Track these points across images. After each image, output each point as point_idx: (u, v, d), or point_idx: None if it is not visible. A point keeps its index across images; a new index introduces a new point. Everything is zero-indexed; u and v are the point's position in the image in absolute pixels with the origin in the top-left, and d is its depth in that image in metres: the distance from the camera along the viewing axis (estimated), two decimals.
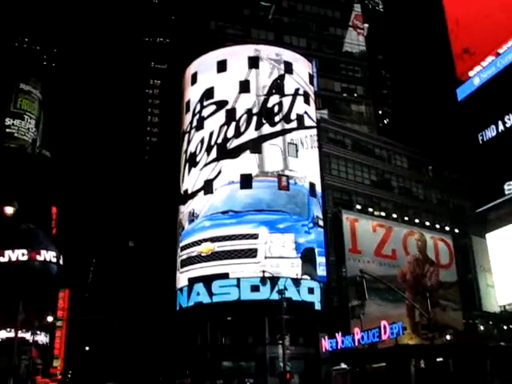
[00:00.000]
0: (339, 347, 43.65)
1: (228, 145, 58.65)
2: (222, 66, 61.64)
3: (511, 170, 50.23)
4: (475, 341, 54.40)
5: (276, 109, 60.11)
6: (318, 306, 54.56)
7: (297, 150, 59.40)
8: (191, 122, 62.52)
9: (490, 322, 62.81)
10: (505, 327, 52.96)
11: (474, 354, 40.16)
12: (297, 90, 62.20)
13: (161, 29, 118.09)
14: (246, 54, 62.26)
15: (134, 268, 78.96)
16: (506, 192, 50.83)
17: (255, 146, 58.24)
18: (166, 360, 62.21)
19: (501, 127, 51.98)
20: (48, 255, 52.41)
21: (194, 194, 59.15)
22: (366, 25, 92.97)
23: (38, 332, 56.55)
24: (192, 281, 54.80)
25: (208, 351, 54.02)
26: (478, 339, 57.00)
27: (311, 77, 65.89)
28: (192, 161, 60.84)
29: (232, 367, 53.54)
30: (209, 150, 59.34)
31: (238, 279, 52.19)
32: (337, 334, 44.24)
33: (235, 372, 52.63)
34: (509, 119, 50.76)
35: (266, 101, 60.08)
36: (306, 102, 62.88)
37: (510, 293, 50.66)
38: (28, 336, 52.43)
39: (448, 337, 58.24)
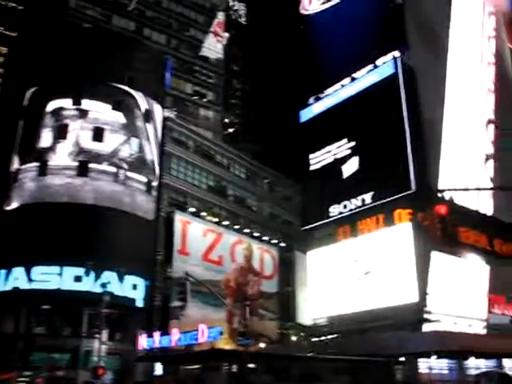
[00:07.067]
0: (156, 346, 43.89)
1: None
2: None
3: (336, 194, 54.40)
4: (286, 350, 57.19)
5: None
6: (139, 304, 54.39)
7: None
8: None
9: (302, 334, 66.53)
10: (314, 339, 56.27)
11: (282, 362, 42.28)
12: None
13: None
14: None
15: None
16: (331, 214, 54.79)
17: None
18: None
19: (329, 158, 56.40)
20: None
21: None
22: (227, 34, 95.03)
23: None
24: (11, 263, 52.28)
25: (19, 341, 51.57)
26: (289, 349, 59.96)
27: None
28: None
29: (44, 358, 51.51)
30: None
31: (61, 267, 50.62)
32: (154, 333, 44.51)
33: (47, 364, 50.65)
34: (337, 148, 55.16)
35: None
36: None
37: (320, 308, 54.49)
38: None
39: (262, 344, 60.75)
